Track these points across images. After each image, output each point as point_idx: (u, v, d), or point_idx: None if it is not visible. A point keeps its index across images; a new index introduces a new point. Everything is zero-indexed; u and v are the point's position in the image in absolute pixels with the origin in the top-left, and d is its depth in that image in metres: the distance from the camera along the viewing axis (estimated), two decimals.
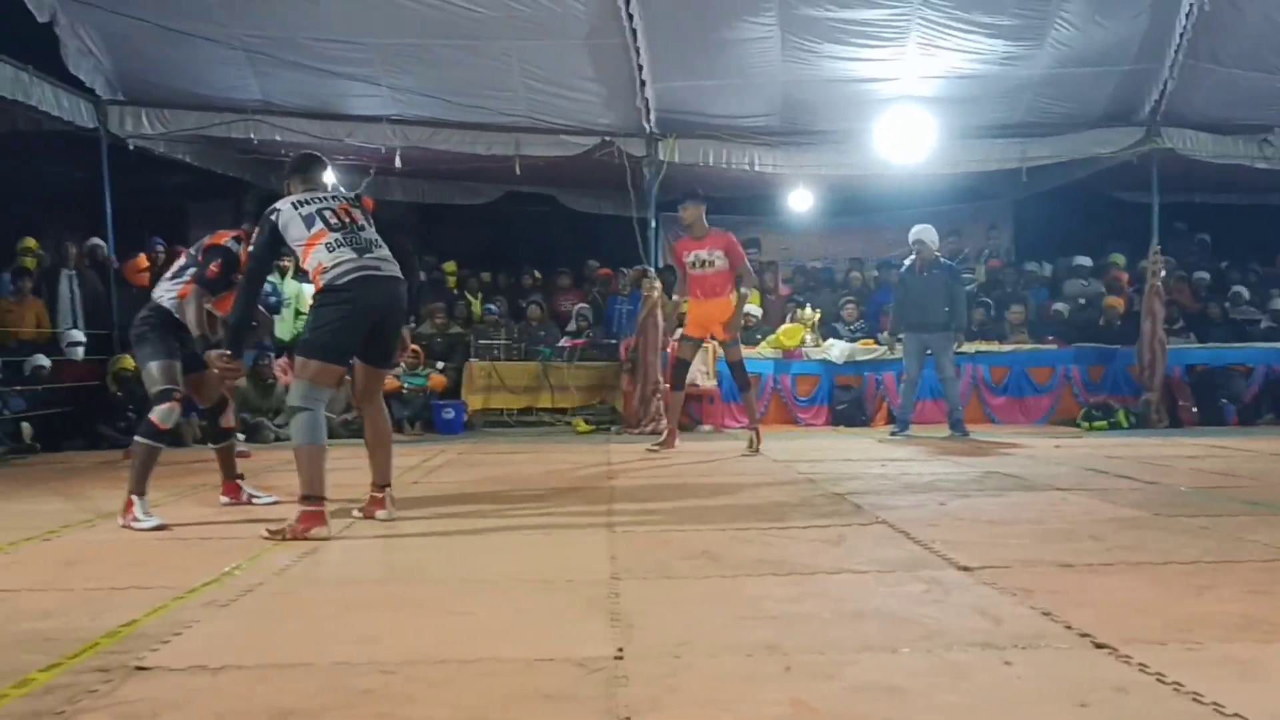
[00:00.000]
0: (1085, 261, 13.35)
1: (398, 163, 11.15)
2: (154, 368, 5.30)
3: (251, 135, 10.73)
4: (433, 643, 2.94)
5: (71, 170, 12.08)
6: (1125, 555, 4.04)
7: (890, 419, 11.56)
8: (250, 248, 4.99)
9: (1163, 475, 6.69)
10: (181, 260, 5.60)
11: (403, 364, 10.56)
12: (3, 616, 3.34)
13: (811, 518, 5.06)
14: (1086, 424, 11.03)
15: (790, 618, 3.16)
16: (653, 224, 11.40)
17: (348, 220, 4.93)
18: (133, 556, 4.36)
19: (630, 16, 9.59)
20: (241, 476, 5.98)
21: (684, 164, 11.22)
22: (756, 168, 11.37)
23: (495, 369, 11.89)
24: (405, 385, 11.26)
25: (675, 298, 9.22)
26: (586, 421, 11.51)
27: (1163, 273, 11.53)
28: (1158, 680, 2.51)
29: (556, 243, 15.33)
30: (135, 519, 5.00)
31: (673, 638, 2.94)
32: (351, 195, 5.22)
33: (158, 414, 5.19)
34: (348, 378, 5.63)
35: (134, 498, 5.07)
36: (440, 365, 11.90)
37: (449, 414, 11.30)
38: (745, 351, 11.71)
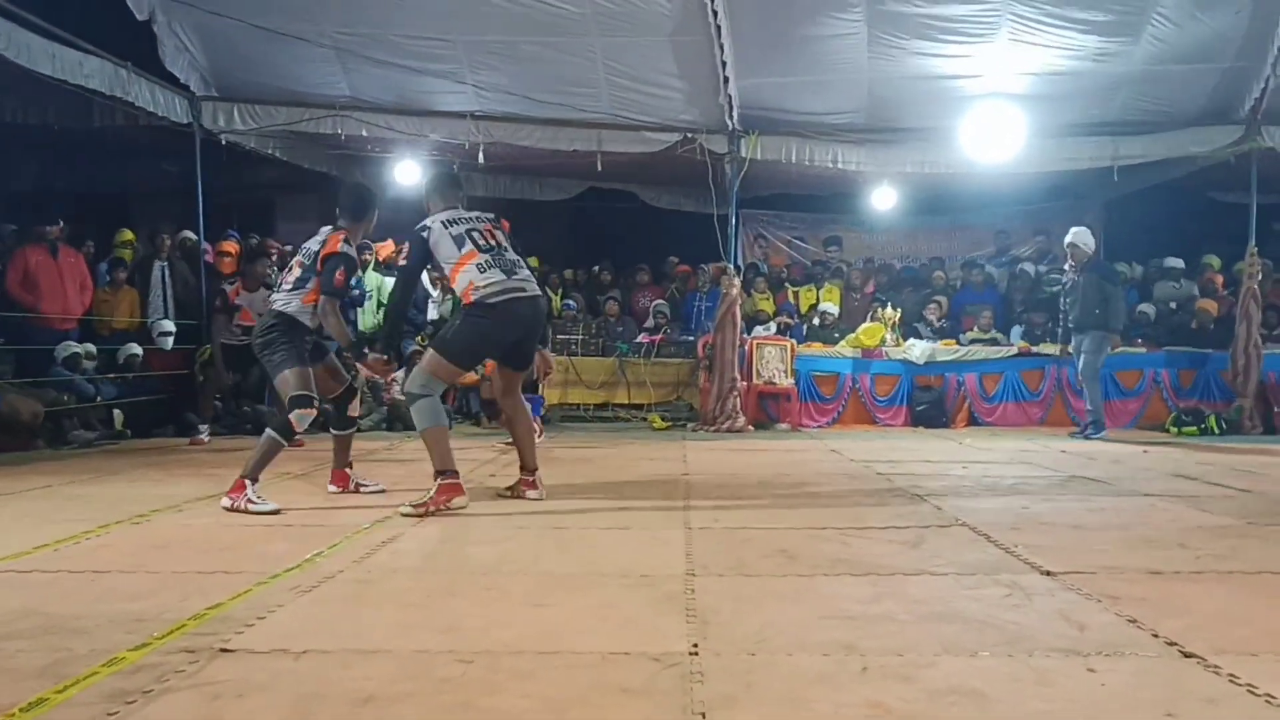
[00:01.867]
0: (1177, 263, 12.98)
1: (481, 158, 11.25)
2: (290, 375, 5.46)
3: (339, 130, 10.92)
4: (511, 634, 2.97)
5: (166, 164, 12.41)
6: (1215, 564, 3.93)
7: (971, 421, 11.41)
8: (403, 260, 5.37)
9: (1256, 483, 6.49)
10: (297, 271, 5.68)
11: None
12: (94, 597, 3.45)
13: (890, 519, 5.01)
14: (1175, 429, 10.74)
15: (868, 618, 3.13)
16: (733, 221, 11.36)
17: (494, 242, 5.35)
18: (219, 542, 4.46)
19: (715, 13, 9.56)
20: (350, 465, 6.07)
21: (766, 161, 11.17)
22: (839, 165, 11.25)
23: (573, 364, 11.95)
24: (484, 380, 11.36)
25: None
26: (663, 418, 11.51)
27: (1259, 275, 11.18)
28: (1249, 691, 2.45)
29: (636, 239, 15.36)
30: (250, 501, 5.18)
31: (749, 635, 2.93)
32: (492, 216, 5.56)
33: (296, 417, 5.37)
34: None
35: (247, 480, 5.25)
36: None
37: (526, 407, 11.35)
38: (825, 350, 11.72)
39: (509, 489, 5.80)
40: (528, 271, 5.44)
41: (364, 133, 10.96)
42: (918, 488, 6.13)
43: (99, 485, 6.41)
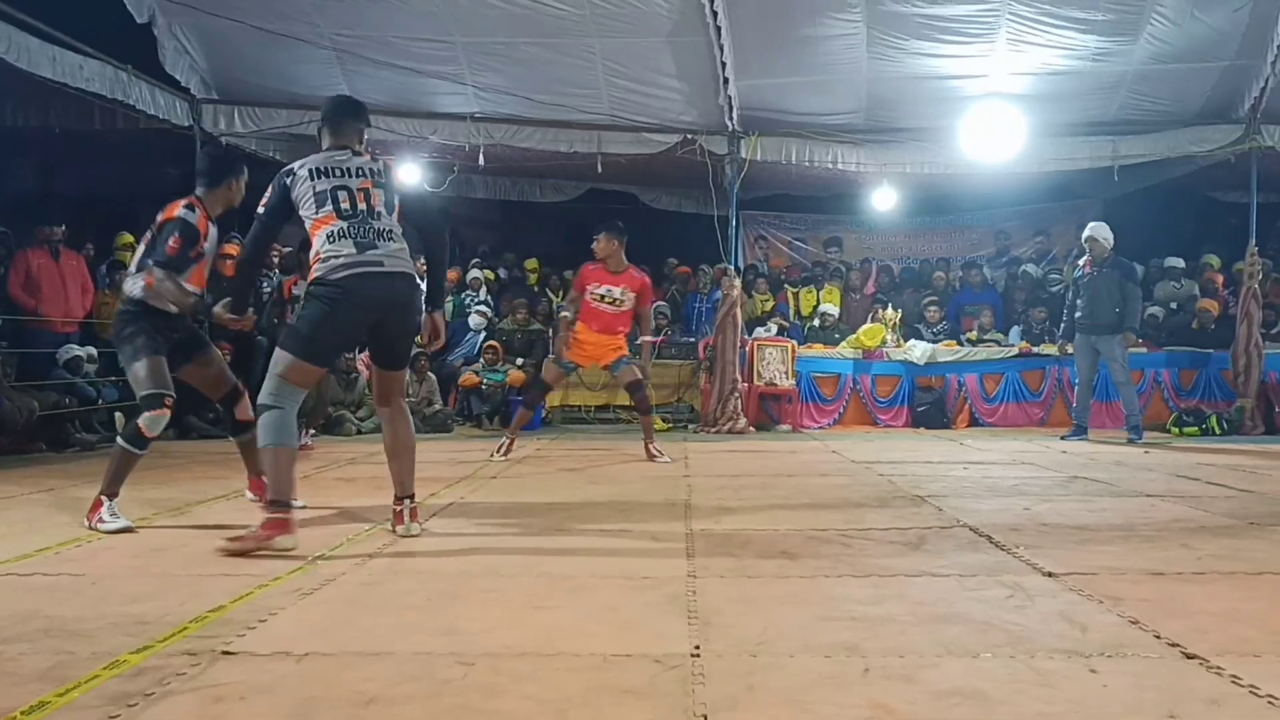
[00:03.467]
0: (1178, 263, 12.97)
1: (481, 160, 11.27)
2: (139, 368, 4.87)
3: None
4: (513, 636, 2.96)
5: (167, 167, 12.40)
6: (1217, 564, 3.93)
7: (972, 421, 11.42)
8: (259, 208, 4.52)
9: (1258, 483, 6.49)
10: (141, 248, 5.10)
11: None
12: (96, 600, 3.45)
13: (891, 520, 5.01)
14: (1177, 429, 10.74)
15: (869, 619, 3.13)
16: (733, 222, 11.36)
17: (362, 207, 4.44)
18: (220, 544, 4.44)
19: (714, 14, 9.58)
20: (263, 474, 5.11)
21: (766, 162, 11.19)
22: (839, 166, 11.28)
23: None
24: (485, 381, 11.38)
25: (565, 314, 8.33)
26: (664, 419, 11.51)
27: (1260, 275, 11.18)
28: (1251, 692, 2.44)
29: (636, 240, 15.19)
30: (102, 520, 4.70)
31: (750, 637, 2.93)
32: (377, 166, 4.61)
33: (145, 421, 4.82)
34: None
35: (104, 498, 4.78)
36: (520, 361, 12.00)
37: None
38: (826, 351, 11.72)
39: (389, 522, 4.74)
40: (398, 244, 4.49)
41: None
42: (919, 489, 6.13)
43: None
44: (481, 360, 11.66)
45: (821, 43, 10.17)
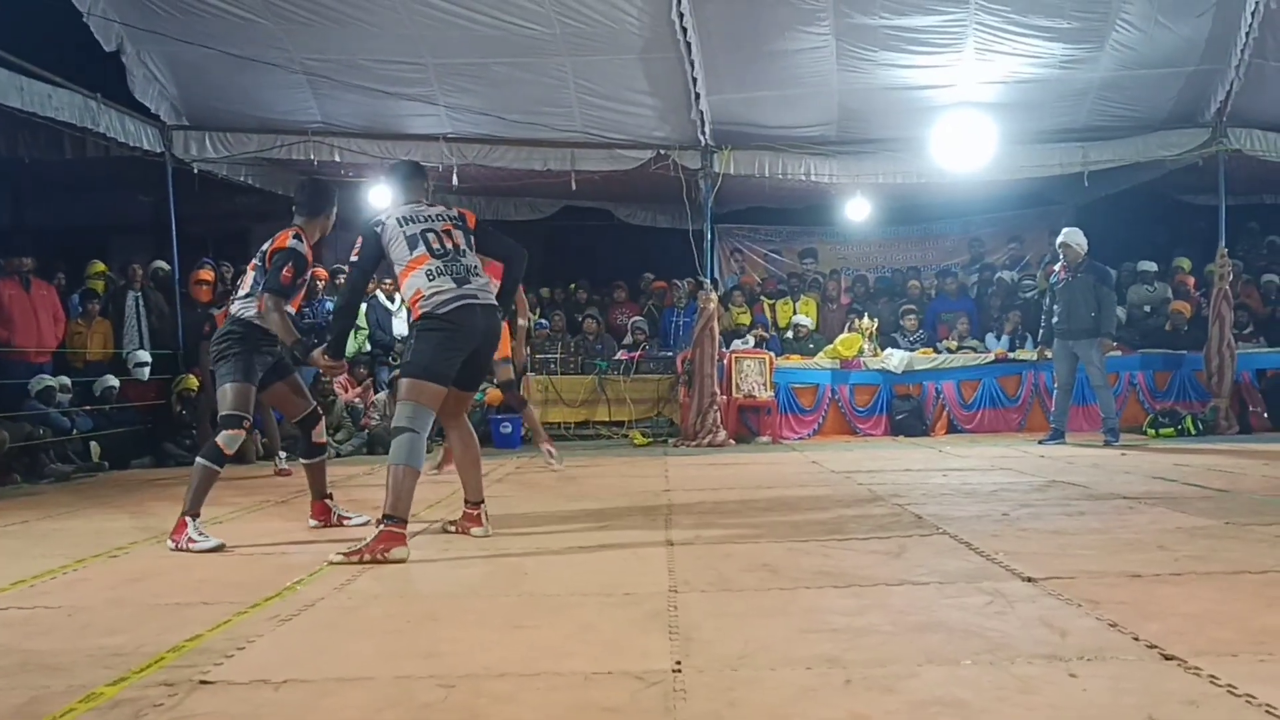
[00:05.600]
0: (1150, 266, 13.06)
1: (454, 180, 11.28)
2: (229, 390, 5.19)
3: (312, 156, 10.91)
4: (494, 657, 2.95)
5: (138, 194, 12.36)
6: (1195, 565, 3.95)
7: (950, 428, 11.46)
8: (353, 257, 4.97)
9: (1233, 483, 6.54)
10: (251, 275, 5.43)
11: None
12: (71, 632, 3.42)
13: (871, 529, 5.02)
14: (1153, 431, 10.81)
15: (851, 630, 3.13)
16: (708, 236, 11.39)
17: (449, 246, 4.88)
18: (197, 573, 4.42)
19: (685, 31, 9.60)
20: (330, 496, 5.72)
21: (740, 175, 11.22)
22: (812, 178, 11.33)
23: (552, 383, 11.95)
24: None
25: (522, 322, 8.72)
26: (643, 434, 11.51)
27: (1230, 276, 11.29)
28: (1229, 692, 2.46)
29: (612, 256, 15.41)
30: (192, 540, 4.89)
31: (732, 651, 2.93)
32: (455, 214, 5.08)
33: (224, 439, 5.11)
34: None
35: (188, 519, 4.96)
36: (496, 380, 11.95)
37: (506, 429, 11.36)
38: (803, 362, 11.75)
39: (453, 523, 5.32)
40: (485, 279, 4.97)
41: (336, 158, 10.95)
42: (899, 497, 6.15)
43: (76, 519, 6.36)
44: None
45: (791, 56, 10.22)
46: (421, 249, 4.83)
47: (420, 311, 4.81)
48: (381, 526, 4.58)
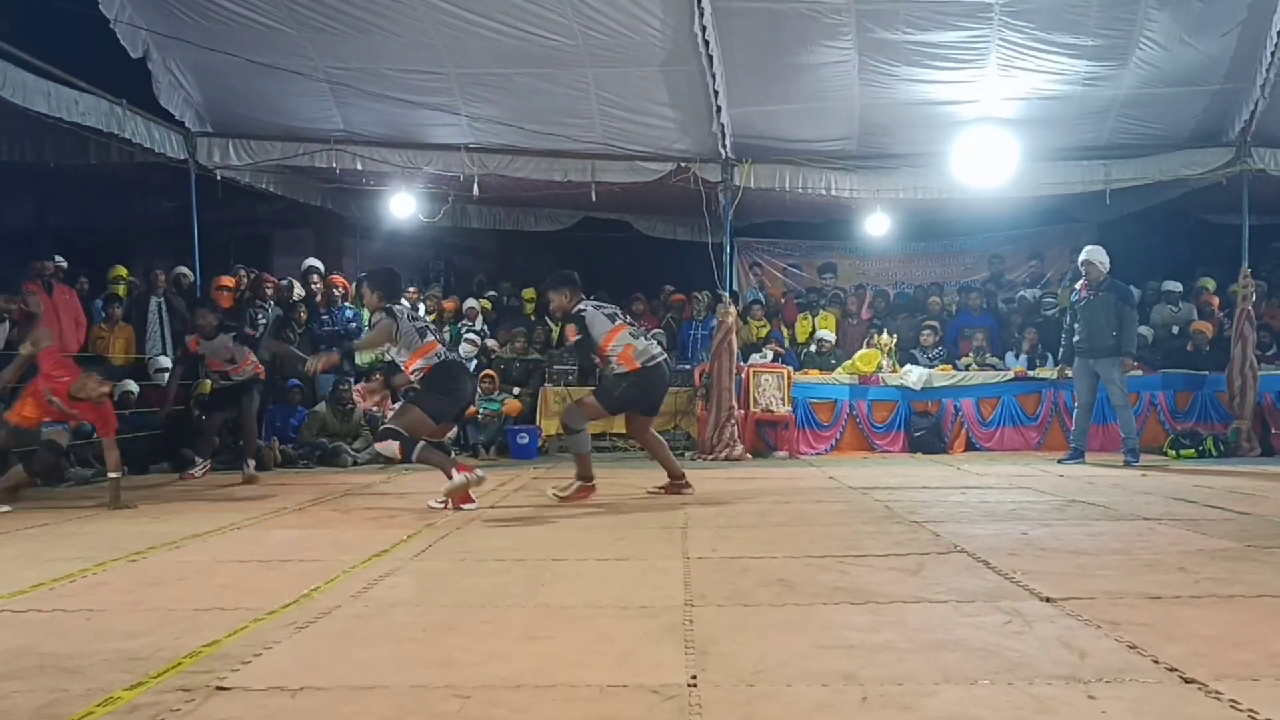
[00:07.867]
0: (1175, 286, 12.93)
1: (475, 190, 11.32)
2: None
3: (334, 164, 10.98)
4: (509, 668, 2.95)
5: (162, 200, 12.45)
6: (1216, 588, 3.92)
7: (969, 446, 11.41)
8: (575, 339, 7.07)
9: (1255, 505, 6.48)
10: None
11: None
12: (90, 635, 3.43)
13: (889, 546, 4.99)
14: (1173, 452, 10.73)
15: (867, 647, 3.11)
16: (728, 249, 11.39)
17: (627, 318, 7.35)
18: (215, 578, 4.44)
19: (706, 43, 9.62)
20: None
21: (760, 189, 11.23)
22: (833, 192, 11.33)
23: (570, 394, 11.93)
24: (481, 411, 11.34)
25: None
26: None
27: (1254, 296, 11.20)
28: (1250, 717, 2.43)
29: (631, 268, 15.40)
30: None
31: (748, 666, 2.91)
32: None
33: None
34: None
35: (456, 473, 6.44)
36: (516, 391, 11.99)
37: (524, 439, 11.37)
38: (822, 377, 11.73)
39: (661, 487, 7.44)
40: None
41: (358, 166, 11.02)
42: (916, 514, 6.12)
43: (95, 523, 6.39)
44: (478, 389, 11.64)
45: (813, 70, 10.23)
46: (619, 320, 7.18)
47: (638, 364, 6.97)
48: (579, 483, 7.02)
